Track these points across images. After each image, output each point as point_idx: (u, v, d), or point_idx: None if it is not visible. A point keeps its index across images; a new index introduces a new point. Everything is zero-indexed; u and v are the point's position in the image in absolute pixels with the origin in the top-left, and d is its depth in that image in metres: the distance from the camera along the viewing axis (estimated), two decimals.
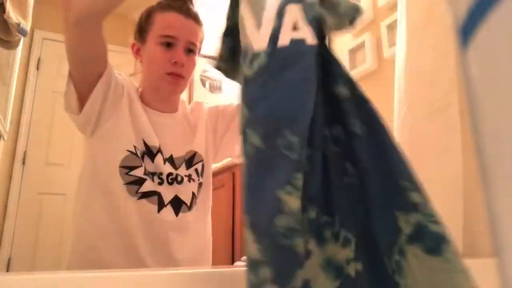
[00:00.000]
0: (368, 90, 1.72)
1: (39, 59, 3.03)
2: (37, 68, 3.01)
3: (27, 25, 1.49)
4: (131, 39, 0.95)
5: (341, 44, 2.20)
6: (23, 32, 1.45)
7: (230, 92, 2.21)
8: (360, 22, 1.93)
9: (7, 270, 2.62)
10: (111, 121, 0.84)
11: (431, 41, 0.95)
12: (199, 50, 0.95)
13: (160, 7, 0.89)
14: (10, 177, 2.75)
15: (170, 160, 0.90)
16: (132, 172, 0.82)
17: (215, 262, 1.04)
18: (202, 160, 0.96)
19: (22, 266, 2.63)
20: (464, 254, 0.86)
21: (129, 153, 0.83)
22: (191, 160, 0.93)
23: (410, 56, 0.97)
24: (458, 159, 0.89)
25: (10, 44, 1.55)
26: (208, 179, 0.98)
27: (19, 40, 1.60)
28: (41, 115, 2.95)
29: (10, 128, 2.34)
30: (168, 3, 0.89)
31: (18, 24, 1.41)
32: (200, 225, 0.93)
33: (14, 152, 2.79)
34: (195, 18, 0.90)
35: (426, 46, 0.95)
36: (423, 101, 0.94)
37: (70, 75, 0.84)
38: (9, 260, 2.63)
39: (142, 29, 0.91)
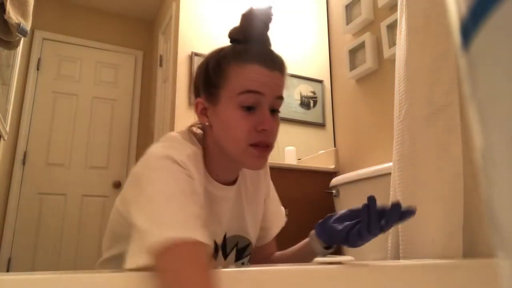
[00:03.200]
0: (368, 90, 1.74)
1: (39, 59, 3.03)
2: (37, 68, 3.01)
3: (27, 25, 1.49)
4: (199, 100, 0.72)
5: (341, 44, 2.20)
6: (23, 32, 1.45)
7: None
8: (361, 22, 1.91)
9: (7, 270, 2.63)
10: None
11: (431, 41, 0.95)
12: None
13: (236, 57, 0.68)
14: (10, 177, 2.75)
15: (223, 243, 0.75)
16: None
17: None
18: (251, 253, 0.80)
19: (22, 266, 2.63)
20: (464, 254, 0.86)
21: None
22: (243, 250, 0.79)
23: (410, 56, 0.97)
24: (458, 159, 0.89)
25: (10, 45, 1.55)
26: None
27: (19, 40, 1.60)
28: (41, 115, 2.95)
29: (10, 128, 2.34)
30: (245, 49, 0.68)
31: (18, 24, 1.41)
32: None
33: (14, 152, 2.80)
34: (280, 67, 0.69)
35: (426, 46, 0.95)
36: (423, 101, 0.94)
37: None
38: (9, 260, 2.64)
39: (211, 84, 0.69)
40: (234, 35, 0.71)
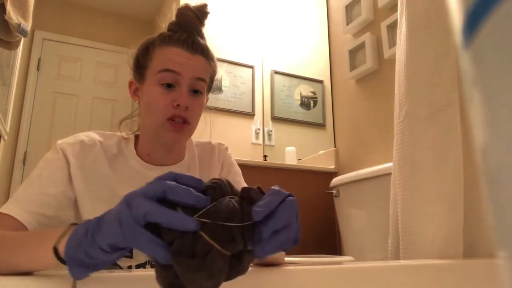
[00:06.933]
0: (368, 90, 1.73)
1: (39, 60, 3.03)
2: (38, 69, 3.01)
3: (27, 25, 1.49)
4: (131, 80, 0.79)
5: (341, 44, 2.20)
6: (23, 33, 1.45)
7: (231, 93, 2.21)
8: (361, 22, 1.91)
9: None
10: None
11: (431, 41, 0.95)
12: (209, 89, 0.81)
13: (160, 40, 0.75)
14: (10, 177, 2.75)
15: None
16: None
17: None
18: None
19: None
20: (464, 254, 0.86)
21: None
22: None
23: (410, 56, 0.97)
24: (458, 159, 0.89)
25: (10, 45, 1.55)
26: None
27: (20, 40, 1.60)
28: (41, 115, 2.95)
29: (10, 128, 2.34)
30: (170, 35, 0.74)
31: (19, 25, 1.41)
32: None
33: (14, 152, 2.79)
34: (202, 52, 0.74)
35: (426, 46, 0.95)
36: (423, 101, 0.94)
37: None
38: None
39: (139, 65, 0.76)
40: (169, 26, 0.77)
